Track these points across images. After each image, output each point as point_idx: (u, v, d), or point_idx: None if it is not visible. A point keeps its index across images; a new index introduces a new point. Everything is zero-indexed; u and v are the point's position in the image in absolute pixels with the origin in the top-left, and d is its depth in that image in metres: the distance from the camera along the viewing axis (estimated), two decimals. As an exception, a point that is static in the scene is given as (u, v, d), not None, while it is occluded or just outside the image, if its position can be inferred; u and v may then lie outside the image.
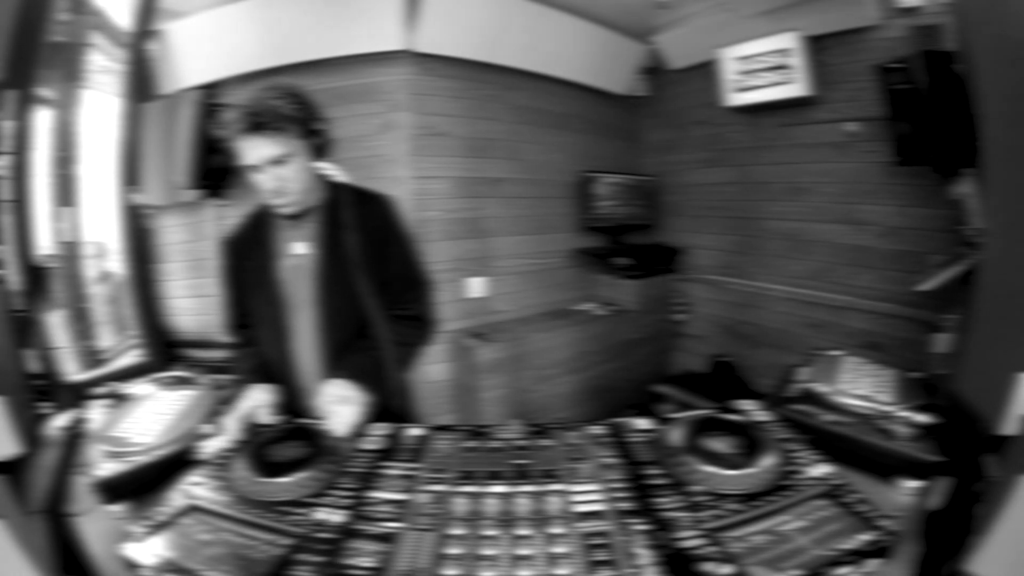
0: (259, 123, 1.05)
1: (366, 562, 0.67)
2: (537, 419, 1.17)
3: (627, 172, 3.26)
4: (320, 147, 1.18)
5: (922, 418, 0.88)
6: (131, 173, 2.51)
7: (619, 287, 3.06)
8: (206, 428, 0.95)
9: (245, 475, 0.82)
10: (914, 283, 1.96)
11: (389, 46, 2.31)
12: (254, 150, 1.07)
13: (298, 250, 1.20)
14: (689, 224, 3.29)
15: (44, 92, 2.13)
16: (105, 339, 2.63)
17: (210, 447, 0.91)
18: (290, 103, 1.09)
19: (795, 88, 2.52)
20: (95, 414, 1.03)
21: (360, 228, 1.19)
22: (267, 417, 1.02)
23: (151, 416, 0.98)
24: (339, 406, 1.01)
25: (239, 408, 1.00)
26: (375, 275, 1.19)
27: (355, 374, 1.08)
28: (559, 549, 0.69)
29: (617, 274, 3.06)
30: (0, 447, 0.89)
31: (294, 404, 1.14)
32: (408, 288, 1.28)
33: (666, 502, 0.77)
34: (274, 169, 1.09)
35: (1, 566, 0.78)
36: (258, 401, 1.04)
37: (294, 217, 1.19)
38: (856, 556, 0.66)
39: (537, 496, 0.80)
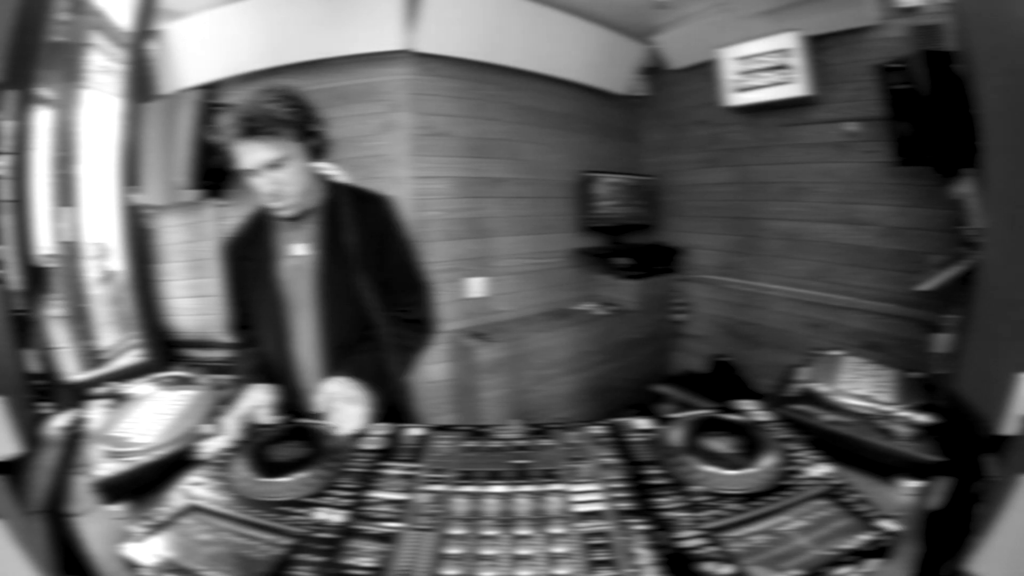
0: (254, 127, 1.05)
1: (366, 562, 0.67)
2: (537, 419, 1.17)
3: (627, 172, 3.26)
4: (317, 148, 1.18)
5: (922, 418, 0.87)
6: (131, 173, 2.51)
7: (619, 287, 3.06)
8: (206, 428, 0.95)
9: (245, 475, 0.82)
10: (914, 283, 1.96)
11: (389, 46, 2.31)
12: (250, 154, 1.07)
13: (298, 251, 1.20)
14: (689, 224, 3.29)
15: (44, 92, 2.13)
16: (105, 339, 2.63)
17: (210, 447, 0.91)
18: (285, 106, 1.09)
19: (795, 88, 2.52)
20: (95, 414, 1.03)
21: (360, 228, 1.19)
22: (267, 417, 1.02)
23: (151, 416, 0.98)
24: (339, 406, 1.01)
25: (239, 408, 1.00)
26: (375, 275, 1.19)
27: (355, 374, 1.08)
28: (559, 549, 0.69)
29: (617, 274, 3.06)
30: (0, 447, 0.89)
31: (294, 404, 1.14)
32: (407, 291, 1.27)
33: (666, 502, 0.77)
34: (271, 172, 1.09)
35: (1, 566, 0.78)
36: (258, 401, 1.04)
37: (294, 218, 1.19)
38: (856, 556, 0.66)
39: (537, 496, 0.80)
